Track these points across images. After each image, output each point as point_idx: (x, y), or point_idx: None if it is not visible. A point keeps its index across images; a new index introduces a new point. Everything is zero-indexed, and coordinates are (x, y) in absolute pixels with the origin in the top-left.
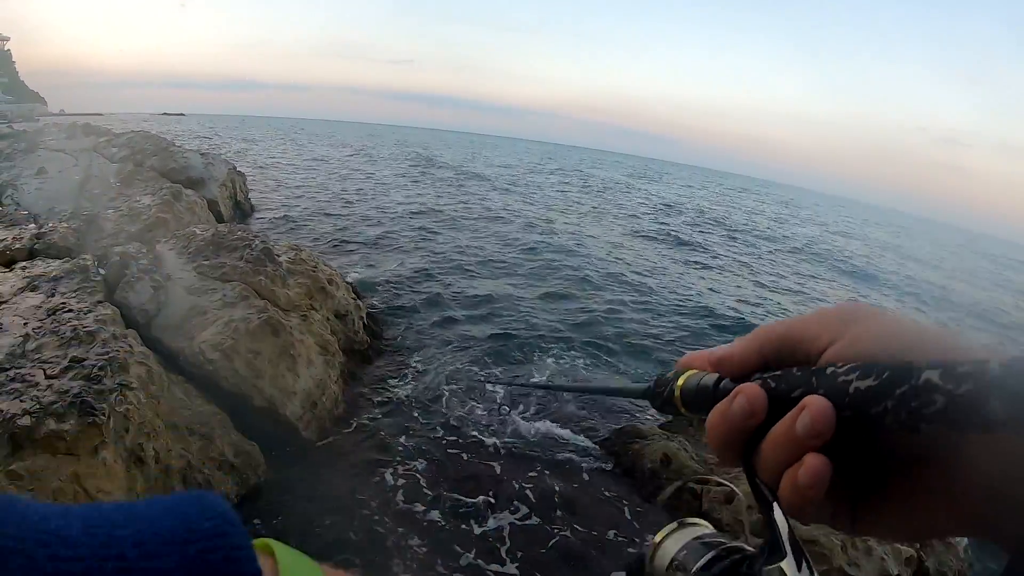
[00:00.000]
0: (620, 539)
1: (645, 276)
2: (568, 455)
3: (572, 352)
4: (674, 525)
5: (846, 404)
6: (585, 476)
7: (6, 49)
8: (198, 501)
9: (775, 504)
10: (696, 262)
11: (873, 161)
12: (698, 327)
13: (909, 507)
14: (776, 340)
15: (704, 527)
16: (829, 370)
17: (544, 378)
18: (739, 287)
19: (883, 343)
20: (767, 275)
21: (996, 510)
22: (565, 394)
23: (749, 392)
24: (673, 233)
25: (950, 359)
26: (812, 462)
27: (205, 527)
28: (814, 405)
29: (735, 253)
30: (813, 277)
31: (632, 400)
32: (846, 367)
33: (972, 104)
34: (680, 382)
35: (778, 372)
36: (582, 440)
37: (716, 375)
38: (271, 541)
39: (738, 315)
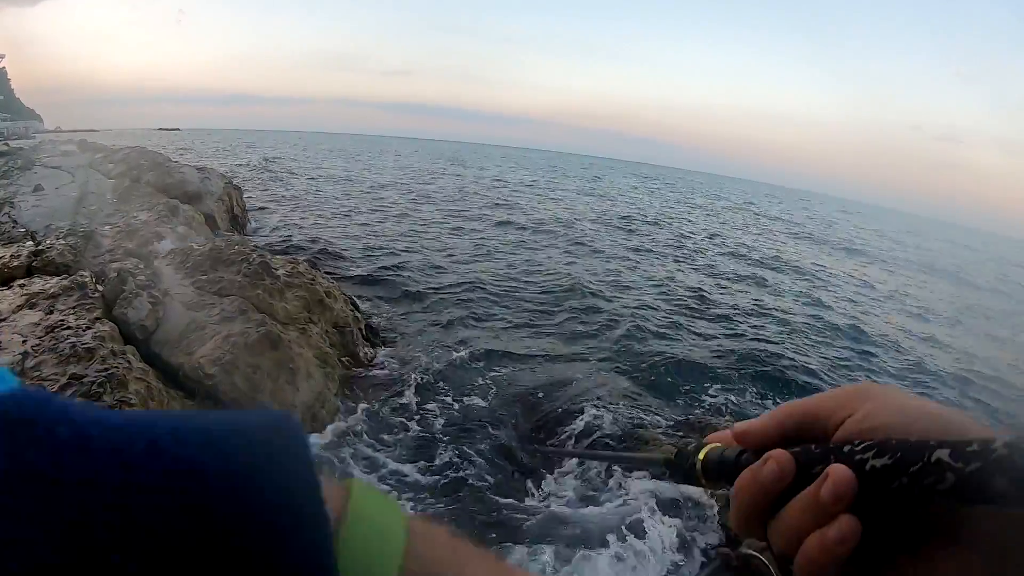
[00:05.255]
0: (627, 549)
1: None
2: (573, 465)
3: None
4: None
5: (863, 481)
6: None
7: (1, 67)
8: (265, 415)
9: None
10: None
11: (871, 161)
12: None
13: None
14: (796, 416)
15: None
16: (846, 448)
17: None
18: None
19: (893, 418)
20: None
21: None
22: (569, 406)
23: (779, 456)
24: None
25: (958, 438)
26: (844, 520)
27: (253, 420)
28: (838, 473)
29: None
30: None
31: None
32: (862, 445)
33: (970, 101)
34: (701, 455)
35: (797, 448)
36: (587, 450)
37: (738, 448)
38: (353, 479)
39: None
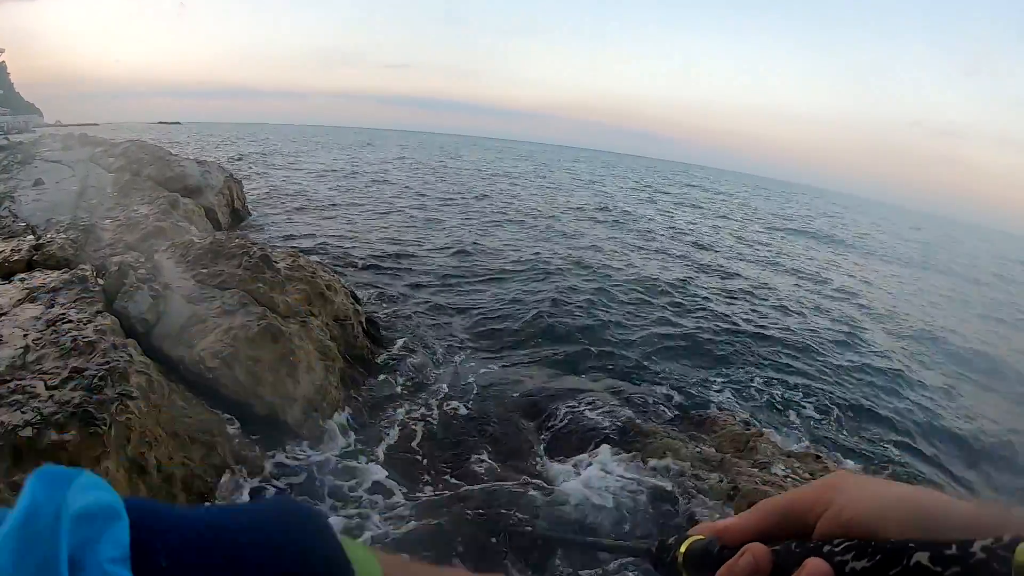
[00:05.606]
0: (628, 539)
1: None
2: (569, 456)
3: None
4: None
5: None
6: (590, 476)
7: (1, 61)
8: (293, 508)
9: None
10: None
11: (873, 156)
12: None
13: None
14: (777, 512)
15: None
16: (826, 549)
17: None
18: None
19: (869, 509)
20: None
21: None
22: (570, 401)
23: (755, 550)
24: None
25: (937, 539)
26: None
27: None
28: (813, 566)
29: None
30: None
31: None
32: (841, 546)
33: (970, 96)
34: (683, 548)
35: (778, 546)
36: (585, 442)
37: (720, 544)
38: (354, 545)
39: None
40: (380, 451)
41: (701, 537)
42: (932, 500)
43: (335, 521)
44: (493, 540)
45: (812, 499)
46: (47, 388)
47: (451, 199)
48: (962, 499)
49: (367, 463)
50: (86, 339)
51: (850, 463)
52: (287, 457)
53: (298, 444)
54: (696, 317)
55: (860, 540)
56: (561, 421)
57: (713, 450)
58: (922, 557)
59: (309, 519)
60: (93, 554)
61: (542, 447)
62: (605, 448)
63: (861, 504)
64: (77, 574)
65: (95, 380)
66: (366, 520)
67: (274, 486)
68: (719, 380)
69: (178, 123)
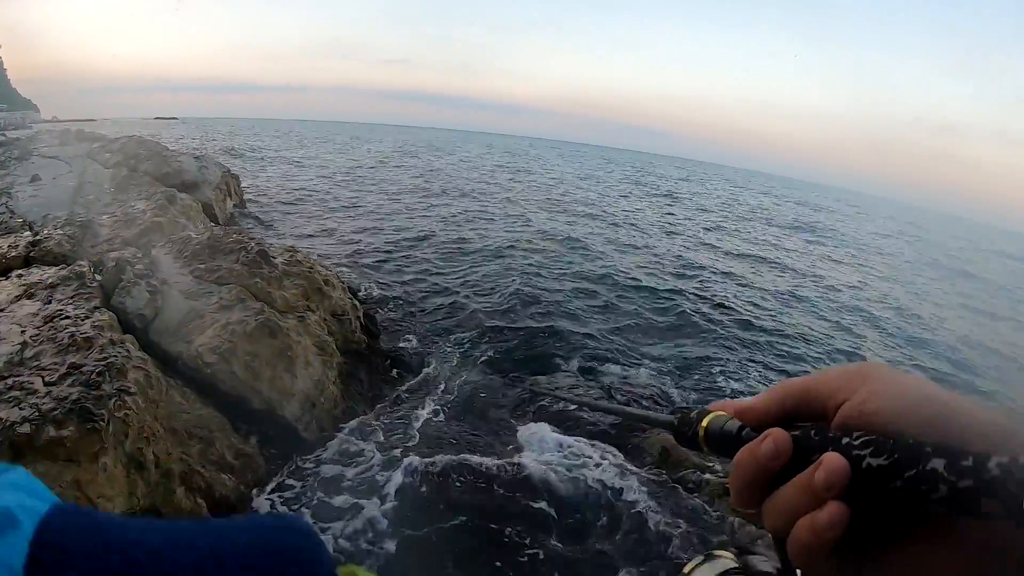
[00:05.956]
0: (628, 533)
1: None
2: (568, 452)
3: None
4: (700, 558)
5: (859, 476)
6: (589, 472)
7: None
8: (280, 521)
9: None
10: None
11: (873, 153)
12: None
13: (910, 569)
14: (796, 395)
15: (730, 560)
16: (844, 441)
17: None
18: None
19: (892, 403)
20: None
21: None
22: (565, 393)
23: (777, 436)
24: None
25: (955, 447)
26: (833, 507)
27: (284, 544)
28: (831, 462)
29: None
30: None
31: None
32: (860, 440)
33: (969, 93)
34: (704, 423)
35: (797, 432)
36: (584, 434)
37: (739, 423)
38: (356, 568)
39: None
40: (376, 449)
41: (722, 414)
42: (959, 405)
43: (333, 522)
44: (497, 563)
45: (836, 385)
46: (45, 384)
47: (448, 194)
48: (993, 408)
49: (364, 461)
50: (84, 335)
51: None
52: (279, 453)
53: (294, 440)
54: (692, 312)
55: (879, 437)
56: (559, 416)
57: None
58: (938, 464)
59: (298, 544)
60: None
61: (540, 443)
62: (603, 443)
63: (885, 399)
64: None
65: (93, 376)
66: (363, 520)
67: (269, 500)
68: (716, 374)
69: (175, 118)
